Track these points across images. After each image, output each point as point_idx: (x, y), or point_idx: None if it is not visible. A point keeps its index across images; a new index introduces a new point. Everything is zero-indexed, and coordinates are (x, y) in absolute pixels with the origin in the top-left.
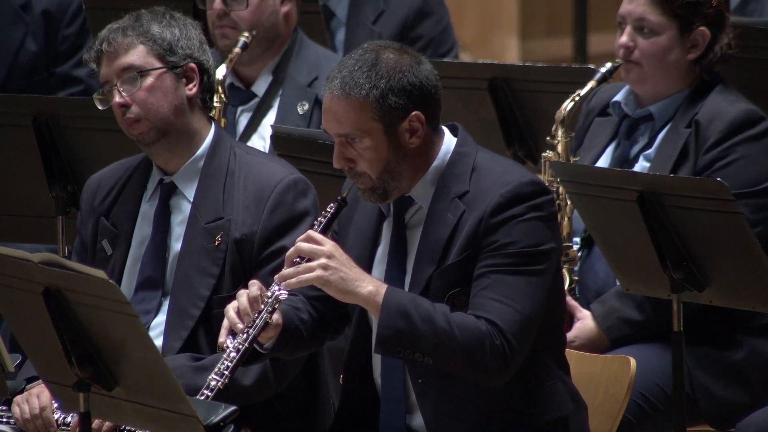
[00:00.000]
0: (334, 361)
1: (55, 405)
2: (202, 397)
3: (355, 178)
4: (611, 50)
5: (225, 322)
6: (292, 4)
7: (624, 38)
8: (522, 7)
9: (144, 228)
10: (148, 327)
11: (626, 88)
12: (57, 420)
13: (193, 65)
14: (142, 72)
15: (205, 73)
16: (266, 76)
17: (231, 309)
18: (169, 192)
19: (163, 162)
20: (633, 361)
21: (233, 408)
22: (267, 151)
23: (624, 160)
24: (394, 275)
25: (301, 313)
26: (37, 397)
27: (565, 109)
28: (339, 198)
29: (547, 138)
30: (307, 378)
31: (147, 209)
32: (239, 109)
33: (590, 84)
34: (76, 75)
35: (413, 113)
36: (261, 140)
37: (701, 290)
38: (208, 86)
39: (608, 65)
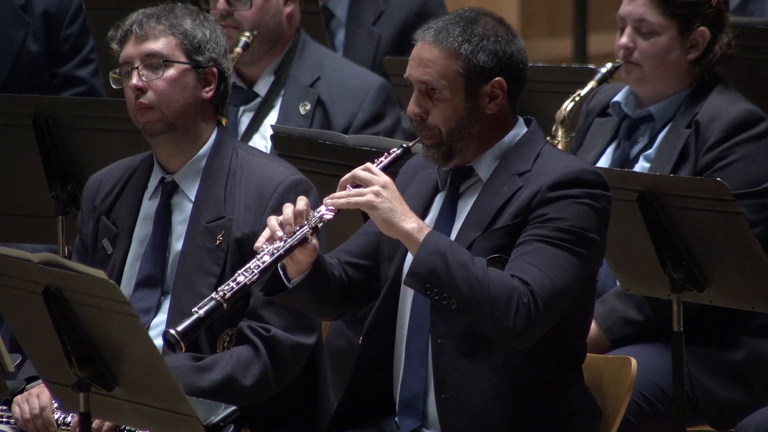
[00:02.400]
0: (334, 362)
1: (55, 405)
2: (227, 287)
3: (423, 131)
4: (611, 50)
5: (265, 230)
6: (295, 5)
7: (624, 39)
8: (522, 7)
9: (145, 226)
10: (149, 326)
11: (626, 88)
12: (57, 420)
13: (215, 70)
14: (167, 61)
15: (224, 81)
16: (268, 76)
17: (273, 218)
18: (170, 191)
19: (165, 158)
20: (634, 361)
21: (233, 408)
22: (268, 151)
23: (624, 161)
24: None
25: (334, 269)
26: (37, 397)
27: (566, 109)
28: (404, 144)
29: (548, 138)
30: (307, 378)
31: (148, 207)
32: (241, 108)
33: (591, 84)
34: (79, 75)
35: (497, 79)
36: (263, 140)
37: (701, 290)
38: (222, 94)
39: (609, 65)
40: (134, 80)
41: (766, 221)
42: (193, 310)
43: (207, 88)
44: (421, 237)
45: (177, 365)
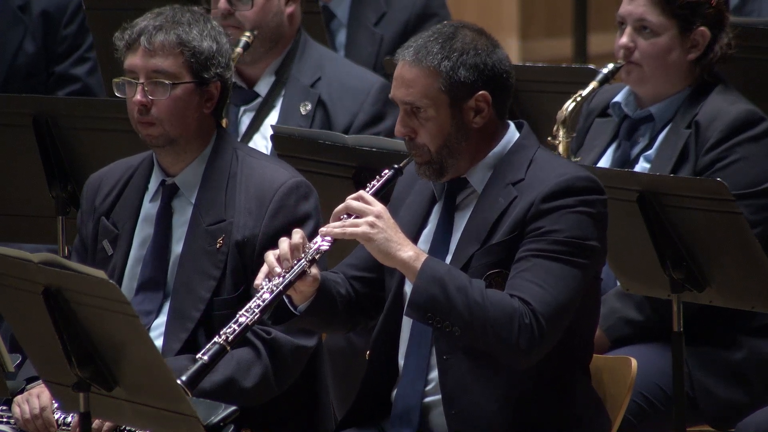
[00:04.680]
0: (334, 363)
1: (56, 405)
2: (229, 330)
3: (413, 150)
4: (611, 50)
5: (264, 267)
6: (296, 5)
7: (624, 39)
8: (522, 7)
9: (145, 228)
10: (149, 328)
11: (626, 88)
12: (57, 420)
13: (218, 84)
14: (175, 83)
15: (226, 93)
16: (269, 76)
17: (271, 254)
18: (171, 193)
19: (167, 163)
20: (634, 362)
21: (233, 408)
22: (269, 151)
23: (624, 161)
24: (436, 252)
25: (340, 287)
26: (37, 397)
27: (567, 109)
28: (395, 166)
29: (548, 138)
30: (307, 379)
31: (149, 210)
32: (242, 108)
33: (592, 85)
34: (73, 73)
35: (481, 92)
36: (263, 140)
37: (701, 290)
38: (223, 103)
39: (610, 66)
40: (139, 96)
41: (766, 221)
42: (197, 356)
43: (209, 103)
44: (418, 265)
45: (177, 366)
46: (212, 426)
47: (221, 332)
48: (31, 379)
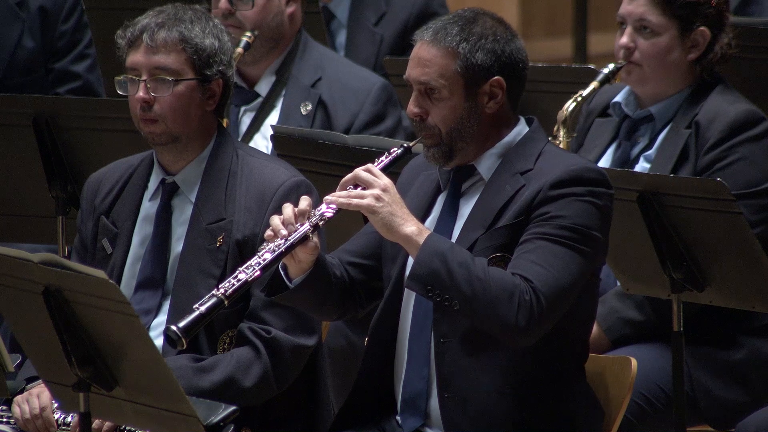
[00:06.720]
0: (334, 362)
1: (56, 405)
2: (228, 284)
3: (423, 131)
4: (611, 50)
5: (269, 230)
6: (297, 5)
7: (624, 39)
8: (522, 7)
9: (145, 227)
10: (149, 327)
11: (626, 88)
12: (57, 420)
13: (221, 81)
14: (177, 80)
15: (228, 90)
16: (269, 76)
17: (276, 217)
18: (171, 192)
19: (167, 162)
20: (634, 362)
21: (233, 408)
22: (269, 151)
23: (624, 161)
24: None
25: (335, 269)
26: (37, 397)
27: (567, 109)
28: (404, 144)
29: (549, 138)
30: (307, 379)
31: (148, 208)
32: (242, 108)
33: (593, 85)
34: (74, 70)
35: (496, 78)
36: (264, 140)
37: (701, 290)
38: (225, 101)
39: (611, 66)
40: (141, 93)
41: (766, 221)
42: (194, 306)
43: (211, 101)
44: (420, 240)
45: (177, 366)
46: (212, 426)
47: (220, 285)
48: (31, 379)
